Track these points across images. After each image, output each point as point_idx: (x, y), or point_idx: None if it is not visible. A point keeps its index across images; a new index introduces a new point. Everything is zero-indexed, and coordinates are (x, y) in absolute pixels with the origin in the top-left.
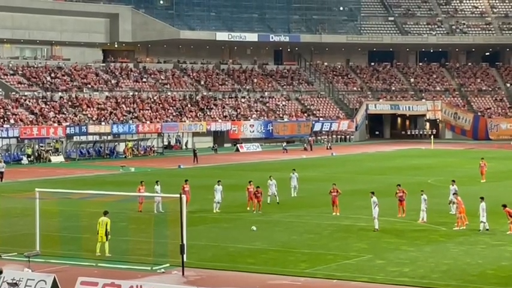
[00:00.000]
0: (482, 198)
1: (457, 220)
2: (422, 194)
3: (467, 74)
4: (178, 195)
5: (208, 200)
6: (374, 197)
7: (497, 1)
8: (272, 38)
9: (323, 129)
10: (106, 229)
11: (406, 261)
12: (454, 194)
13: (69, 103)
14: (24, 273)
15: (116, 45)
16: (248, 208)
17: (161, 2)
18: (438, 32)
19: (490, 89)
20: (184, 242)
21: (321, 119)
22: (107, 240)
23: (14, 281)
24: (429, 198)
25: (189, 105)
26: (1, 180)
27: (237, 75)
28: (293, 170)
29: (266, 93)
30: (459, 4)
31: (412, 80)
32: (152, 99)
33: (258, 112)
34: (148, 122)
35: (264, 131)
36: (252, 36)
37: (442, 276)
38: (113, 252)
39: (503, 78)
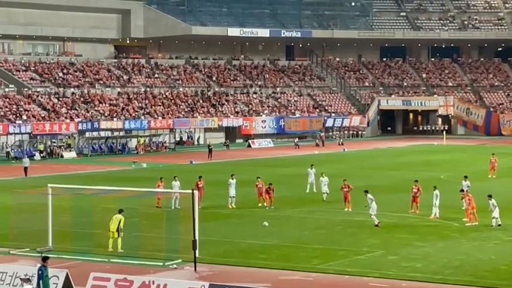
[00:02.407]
0: (490, 196)
1: (469, 216)
2: (434, 190)
3: (480, 69)
4: (190, 191)
5: (220, 196)
6: (369, 194)
7: None
8: (284, 34)
9: (335, 125)
10: (118, 226)
11: (418, 257)
12: (461, 190)
13: (81, 99)
14: (37, 269)
15: (128, 41)
16: (260, 204)
17: None
18: (450, 27)
19: (503, 84)
20: (197, 237)
21: (332, 114)
22: (118, 236)
23: (27, 277)
24: (441, 194)
25: (200, 101)
26: (25, 175)
27: (248, 71)
28: (311, 165)
29: (278, 89)
30: None
31: (424, 75)
32: (164, 95)
33: (270, 108)
34: (160, 118)
35: (275, 126)
36: (263, 32)
37: (454, 272)
38: (125, 248)
39: None
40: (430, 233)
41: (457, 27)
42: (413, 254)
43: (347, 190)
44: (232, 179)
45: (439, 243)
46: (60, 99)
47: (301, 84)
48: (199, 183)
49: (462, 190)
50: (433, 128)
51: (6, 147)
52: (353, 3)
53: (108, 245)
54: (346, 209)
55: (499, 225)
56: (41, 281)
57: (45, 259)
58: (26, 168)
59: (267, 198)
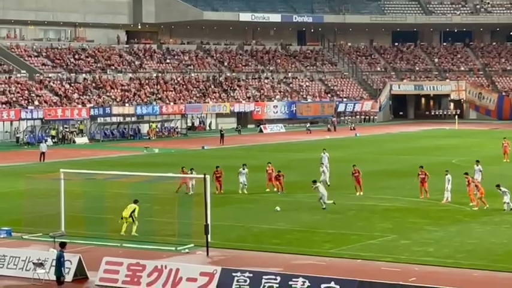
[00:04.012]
0: (498, 185)
1: (476, 200)
2: (446, 174)
3: (492, 53)
4: (203, 176)
5: (232, 181)
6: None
7: None
8: (295, 19)
9: (347, 110)
10: (132, 213)
11: (430, 241)
12: (465, 173)
13: (93, 84)
14: (50, 254)
15: (140, 27)
16: (268, 189)
17: None
18: (462, 11)
19: None
20: (209, 222)
21: (344, 99)
22: (133, 221)
23: (40, 261)
24: (453, 179)
25: (212, 86)
26: (43, 160)
27: (260, 56)
28: (324, 149)
29: (289, 74)
30: None
31: (436, 60)
32: (176, 81)
33: (282, 93)
34: (171, 103)
35: (287, 111)
36: (275, 17)
37: (467, 256)
38: (138, 233)
39: None
40: (442, 217)
41: (469, 12)
42: (425, 238)
43: (357, 175)
44: (244, 168)
45: (451, 228)
46: (72, 84)
47: (313, 69)
48: (217, 173)
49: (466, 173)
50: (445, 112)
51: (17, 133)
52: None
53: (122, 229)
54: (358, 193)
55: (511, 209)
56: (62, 268)
57: (63, 245)
58: (43, 154)
59: (277, 185)
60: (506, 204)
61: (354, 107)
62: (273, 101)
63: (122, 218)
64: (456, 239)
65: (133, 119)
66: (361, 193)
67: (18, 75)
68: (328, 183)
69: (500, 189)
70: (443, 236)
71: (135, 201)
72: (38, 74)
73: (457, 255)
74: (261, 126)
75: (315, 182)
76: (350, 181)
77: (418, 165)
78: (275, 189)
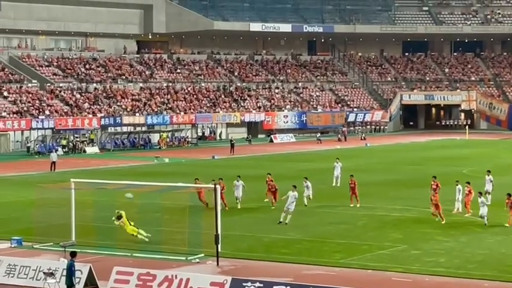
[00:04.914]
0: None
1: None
2: (457, 185)
3: (503, 63)
4: (213, 185)
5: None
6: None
7: None
8: (306, 29)
9: (357, 120)
10: (129, 222)
11: (441, 252)
12: (467, 182)
13: (104, 94)
14: (60, 263)
15: (150, 37)
16: (266, 200)
17: None
18: (473, 21)
19: None
20: (219, 232)
21: (354, 109)
22: (137, 228)
23: (50, 271)
24: (464, 189)
25: (222, 96)
26: (53, 170)
27: (270, 66)
28: (337, 159)
29: (300, 84)
30: None
31: (446, 70)
32: (186, 90)
33: (292, 103)
34: (182, 113)
35: (297, 121)
36: (285, 27)
37: (477, 266)
38: (148, 243)
39: None
40: (452, 227)
41: (479, 22)
42: (436, 248)
43: (353, 185)
44: (238, 181)
45: (462, 238)
46: (83, 94)
47: (323, 79)
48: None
49: (468, 182)
50: (456, 122)
51: (28, 142)
52: None
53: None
54: (352, 205)
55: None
56: (73, 277)
57: (73, 254)
58: (53, 163)
59: (272, 199)
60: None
61: (364, 117)
62: (283, 110)
63: (133, 235)
64: (467, 250)
65: (144, 128)
66: (358, 205)
67: (30, 84)
68: (310, 198)
69: (480, 198)
70: (454, 247)
71: (119, 218)
72: (49, 84)
73: (468, 266)
74: (272, 136)
75: (295, 187)
76: (361, 191)
77: (427, 175)
78: (266, 200)
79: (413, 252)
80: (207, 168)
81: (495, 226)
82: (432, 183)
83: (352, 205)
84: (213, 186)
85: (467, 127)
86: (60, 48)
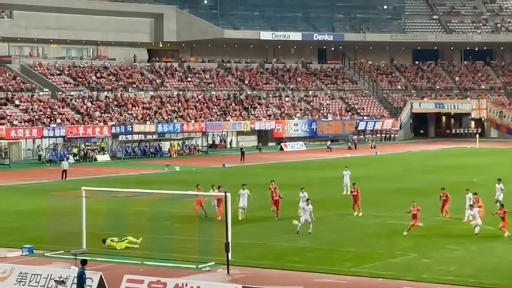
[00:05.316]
0: (471, 205)
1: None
2: (467, 193)
3: None
4: (224, 194)
5: (253, 198)
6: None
7: None
8: (316, 37)
9: (367, 128)
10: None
11: (452, 260)
12: (474, 193)
13: (115, 102)
14: (71, 271)
15: (161, 45)
16: (272, 209)
17: (205, 1)
18: (483, 30)
19: None
20: (230, 240)
21: (365, 117)
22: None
23: (61, 279)
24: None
25: (233, 104)
26: (65, 178)
27: (281, 74)
28: (345, 167)
29: (310, 92)
30: (504, 2)
31: (456, 78)
32: (197, 99)
33: (302, 111)
34: (192, 121)
35: (308, 129)
36: (296, 35)
37: (488, 275)
38: (158, 251)
39: None
40: (463, 236)
41: (489, 30)
42: (446, 257)
43: (356, 194)
44: (244, 189)
45: (473, 246)
46: (94, 102)
47: (334, 87)
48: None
49: (475, 193)
50: (466, 131)
51: (39, 151)
52: (385, 7)
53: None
54: (355, 213)
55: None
56: (84, 285)
57: (84, 262)
58: (65, 171)
59: (275, 210)
60: (476, 227)
61: (374, 125)
62: (293, 119)
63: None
64: (478, 258)
65: (155, 136)
66: (360, 213)
67: (41, 93)
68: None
69: (471, 210)
70: (465, 255)
71: (103, 241)
72: (60, 92)
73: (478, 275)
74: (282, 144)
75: (307, 199)
76: (371, 199)
77: (438, 184)
78: (272, 210)
79: (424, 260)
80: (217, 177)
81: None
82: (441, 194)
83: (355, 213)
84: (223, 194)
85: (477, 135)
86: (71, 56)
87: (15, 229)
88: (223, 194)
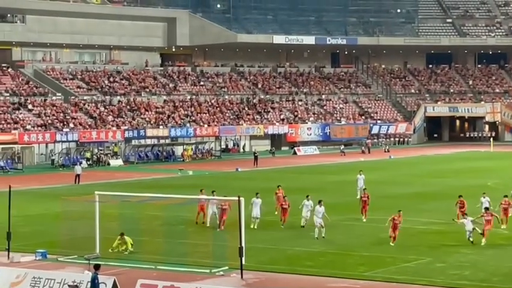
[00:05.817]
0: (465, 214)
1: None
2: (483, 197)
3: None
4: (237, 198)
5: (266, 203)
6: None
7: None
8: (329, 41)
9: (381, 132)
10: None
11: (466, 264)
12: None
13: (128, 107)
14: (85, 276)
15: (174, 49)
16: (276, 213)
17: (218, 6)
18: (497, 33)
19: None
20: (243, 244)
21: (378, 121)
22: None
23: (75, 283)
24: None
25: (246, 109)
26: (78, 182)
27: (294, 78)
28: (360, 171)
29: (323, 96)
30: None
31: (470, 82)
32: (210, 103)
33: (316, 115)
34: (206, 126)
35: (321, 134)
36: (309, 39)
37: (503, 279)
38: (171, 255)
39: None
40: (477, 240)
41: (503, 34)
42: (460, 261)
43: (366, 199)
44: (257, 197)
45: (487, 251)
46: (107, 107)
47: (347, 91)
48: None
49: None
50: (480, 134)
51: (52, 155)
52: (398, 10)
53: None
54: (364, 219)
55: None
56: None
57: (97, 267)
58: (78, 176)
59: (283, 217)
60: (468, 232)
61: (388, 129)
62: (306, 123)
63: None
64: (492, 262)
65: (168, 141)
66: (364, 219)
67: (54, 98)
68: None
69: (465, 217)
70: (479, 259)
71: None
72: (73, 97)
73: (493, 279)
74: (295, 148)
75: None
76: (384, 203)
77: (452, 188)
78: (276, 214)
79: (438, 265)
80: (230, 181)
81: None
82: (458, 201)
83: (364, 219)
84: (237, 198)
85: (491, 139)
86: (84, 61)
87: (29, 234)
88: (237, 199)
